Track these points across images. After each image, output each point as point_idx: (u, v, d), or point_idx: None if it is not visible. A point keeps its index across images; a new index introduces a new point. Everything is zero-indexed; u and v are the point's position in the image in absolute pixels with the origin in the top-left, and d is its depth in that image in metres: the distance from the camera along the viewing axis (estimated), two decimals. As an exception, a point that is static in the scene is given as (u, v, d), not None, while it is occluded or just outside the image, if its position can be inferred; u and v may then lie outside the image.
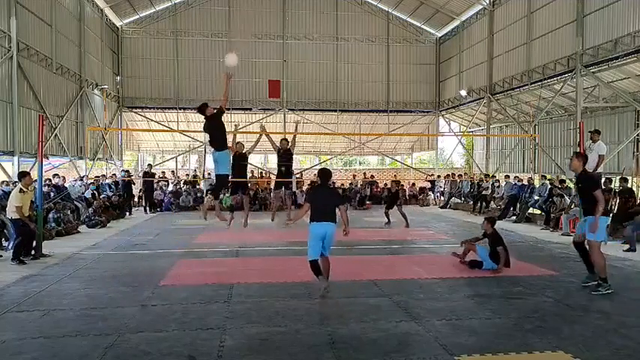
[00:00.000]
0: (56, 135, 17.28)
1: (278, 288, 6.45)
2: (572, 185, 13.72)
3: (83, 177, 17.00)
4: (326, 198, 6.30)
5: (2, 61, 13.74)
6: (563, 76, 16.37)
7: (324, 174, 6.50)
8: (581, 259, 6.62)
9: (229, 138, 8.68)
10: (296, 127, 11.87)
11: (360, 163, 35.84)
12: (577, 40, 15.35)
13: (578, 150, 10.37)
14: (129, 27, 24.43)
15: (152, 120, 25.12)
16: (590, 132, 10.39)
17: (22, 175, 8.73)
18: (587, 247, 6.39)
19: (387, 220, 14.16)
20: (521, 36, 18.89)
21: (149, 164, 22.40)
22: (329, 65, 25.56)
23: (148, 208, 17.80)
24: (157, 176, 19.91)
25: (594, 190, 6.18)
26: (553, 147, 19.79)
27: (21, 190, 8.40)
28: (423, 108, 26.72)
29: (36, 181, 9.76)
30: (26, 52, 15.06)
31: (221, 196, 12.45)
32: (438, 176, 23.39)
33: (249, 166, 26.56)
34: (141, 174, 20.51)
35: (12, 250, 8.45)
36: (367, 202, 20.20)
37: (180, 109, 25.07)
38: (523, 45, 18.72)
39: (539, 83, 17.77)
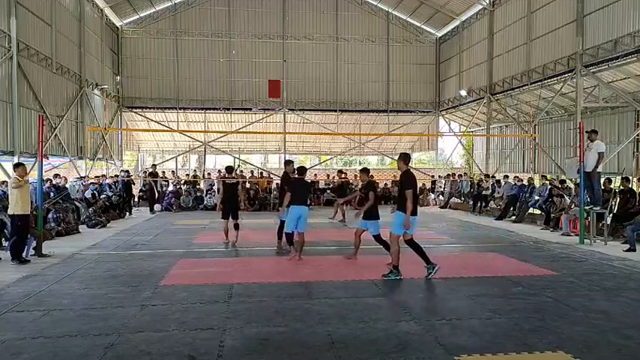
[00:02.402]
0: (56, 135, 17.28)
1: (278, 288, 6.44)
2: (572, 185, 13.73)
3: (83, 177, 16.98)
4: (303, 188, 8.56)
5: (2, 61, 13.74)
6: (563, 76, 16.38)
7: (303, 170, 8.81)
8: (419, 255, 7.02)
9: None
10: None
11: (360, 163, 35.84)
12: (577, 40, 15.35)
13: (577, 149, 10.36)
14: (129, 27, 24.44)
15: (152, 120, 25.12)
16: (587, 132, 10.42)
17: (17, 165, 8.84)
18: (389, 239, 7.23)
19: (331, 216, 14.33)
20: (521, 36, 18.89)
21: (153, 164, 22.32)
22: (329, 65, 25.57)
23: (152, 208, 17.57)
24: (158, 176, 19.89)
25: (404, 190, 6.82)
26: (553, 147, 19.79)
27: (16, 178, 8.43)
28: (423, 108, 26.73)
29: (36, 181, 9.79)
30: (26, 52, 15.07)
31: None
32: (439, 176, 23.39)
33: (249, 166, 26.82)
34: (141, 174, 20.49)
35: (9, 251, 8.40)
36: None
37: (180, 109, 25.10)
38: (523, 45, 18.72)
39: (539, 83, 17.77)
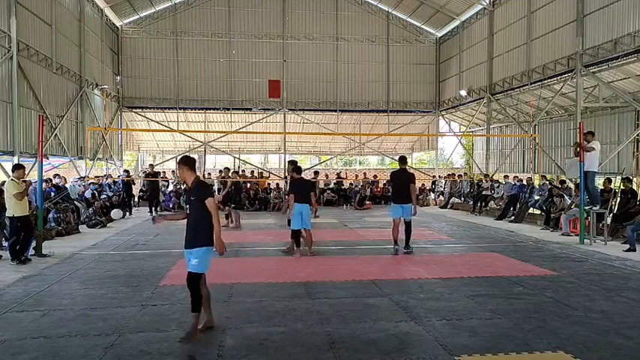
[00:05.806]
0: (56, 135, 17.28)
1: (278, 288, 6.44)
2: (572, 185, 13.73)
3: (83, 177, 16.96)
4: (302, 186, 8.84)
5: (2, 61, 13.74)
6: (563, 76, 16.37)
7: (299, 169, 9.18)
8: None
9: None
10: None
11: (360, 163, 35.84)
12: (577, 40, 15.35)
13: (577, 149, 10.41)
14: (129, 27, 24.44)
15: (152, 120, 25.12)
16: (585, 134, 10.47)
17: (16, 167, 8.68)
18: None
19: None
20: (521, 36, 18.89)
21: (150, 164, 22.26)
22: (329, 65, 25.57)
23: (153, 209, 17.26)
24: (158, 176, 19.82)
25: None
26: (553, 147, 19.79)
27: (13, 181, 8.35)
28: (423, 108, 26.73)
29: (36, 181, 9.78)
30: (26, 52, 15.06)
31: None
32: (439, 176, 23.39)
33: (249, 166, 26.97)
34: (141, 174, 20.43)
35: (8, 251, 8.39)
36: (367, 202, 20.19)
37: (180, 109, 25.09)
38: (523, 45, 18.72)
39: (539, 83, 17.77)
